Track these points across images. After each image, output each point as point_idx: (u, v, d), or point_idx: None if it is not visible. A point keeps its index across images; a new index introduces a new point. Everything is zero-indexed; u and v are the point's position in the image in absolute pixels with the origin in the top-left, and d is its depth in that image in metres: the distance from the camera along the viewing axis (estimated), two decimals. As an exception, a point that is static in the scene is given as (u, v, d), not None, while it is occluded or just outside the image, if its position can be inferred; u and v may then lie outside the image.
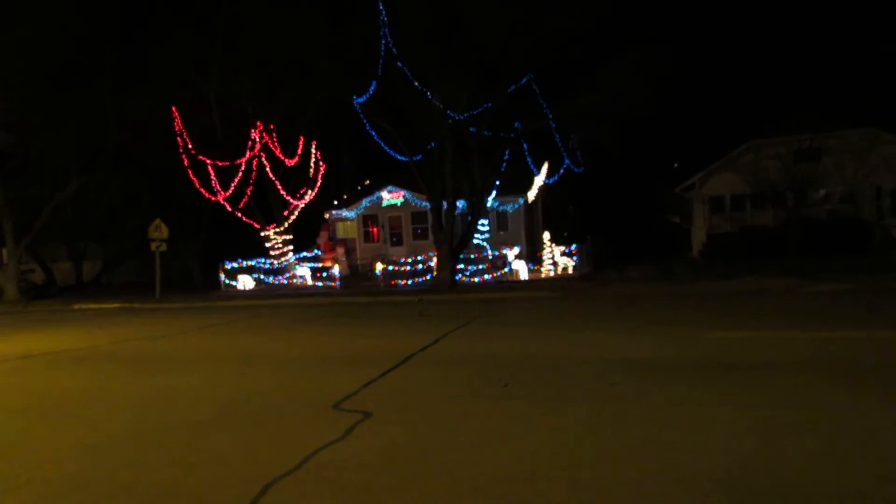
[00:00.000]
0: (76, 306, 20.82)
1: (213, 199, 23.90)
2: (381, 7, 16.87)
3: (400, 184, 27.91)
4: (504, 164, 21.37)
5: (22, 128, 22.13)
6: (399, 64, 16.83)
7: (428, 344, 9.56)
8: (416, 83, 16.92)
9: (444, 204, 20.23)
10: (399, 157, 20.64)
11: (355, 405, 6.42)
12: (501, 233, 27.33)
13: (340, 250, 27.38)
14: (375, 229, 29.25)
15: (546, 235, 23.36)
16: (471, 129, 19.88)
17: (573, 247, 22.75)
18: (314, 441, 5.32)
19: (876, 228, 23.75)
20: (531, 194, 27.54)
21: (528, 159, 22.82)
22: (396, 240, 28.75)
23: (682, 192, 26.67)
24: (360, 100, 18.38)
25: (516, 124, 20.73)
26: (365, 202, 29.13)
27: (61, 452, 5.27)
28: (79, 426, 6.09)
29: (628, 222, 44.14)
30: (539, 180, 27.07)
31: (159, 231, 22.90)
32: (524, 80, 18.16)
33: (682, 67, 20.41)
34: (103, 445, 5.40)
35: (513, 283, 20.73)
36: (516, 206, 27.64)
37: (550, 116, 18.98)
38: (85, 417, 6.41)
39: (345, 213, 29.61)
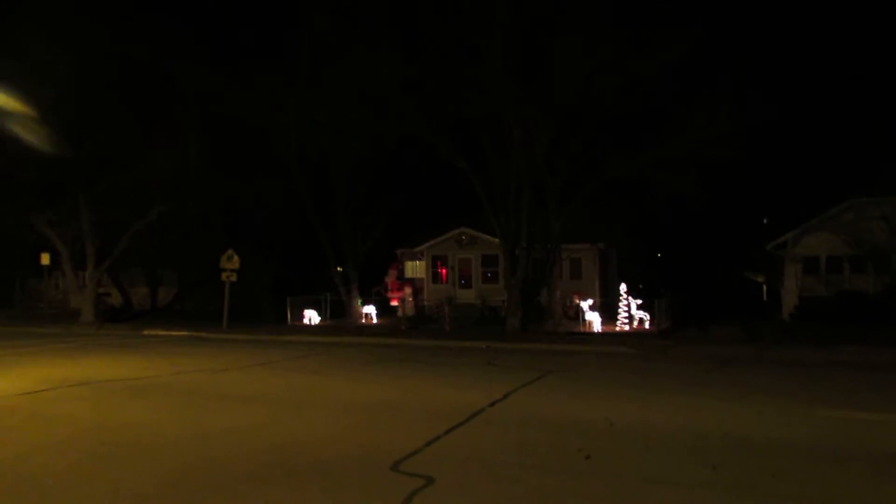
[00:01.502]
0: (145, 332, 21.03)
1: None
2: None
3: (472, 225, 27.37)
4: (580, 209, 20.50)
5: (109, 155, 22.96)
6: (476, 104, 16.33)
7: (497, 399, 8.75)
8: (496, 122, 16.35)
9: (517, 249, 19.49)
10: (473, 199, 20.09)
11: (416, 467, 5.70)
12: (574, 281, 26.27)
13: (408, 290, 26.91)
14: (444, 270, 28.70)
15: (623, 287, 22.16)
16: (548, 174, 19.18)
17: (654, 301, 21.45)
18: (367, 515, 4.61)
19: None
20: (607, 243, 26.49)
21: (606, 206, 21.88)
22: (465, 282, 28.08)
23: (774, 249, 24.93)
24: (437, 138, 18.03)
25: (594, 171, 19.93)
26: (436, 242, 28.71)
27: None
28: (115, 470, 5.58)
29: (706, 278, 42.11)
30: (614, 230, 26.04)
31: (231, 261, 23.08)
32: (607, 122, 17.33)
33: (774, 119, 19.06)
34: (140, 498, 4.86)
35: (586, 336, 19.62)
36: (590, 254, 26.59)
37: (638, 162, 18.00)
38: (123, 460, 5.92)
39: (415, 252, 29.26)
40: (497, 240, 21.68)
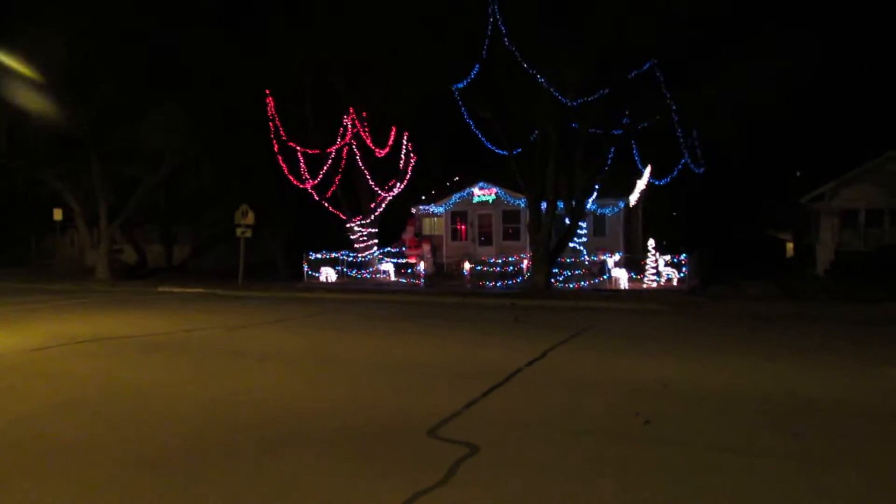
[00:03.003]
0: (160, 289, 20.57)
1: (301, 185, 23.24)
2: None
3: (492, 180, 26.47)
4: (609, 162, 19.53)
5: (119, 110, 22.20)
6: (506, 42, 15.18)
7: (535, 358, 8.10)
8: (524, 64, 15.22)
9: (543, 204, 18.61)
10: (497, 151, 19.12)
11: (456, 433, 5.08)
12: (598, 238, 25.41)
13: (426, 247, 26.21)
14: (464, 227, 27.93)
15: (651, 243, 21.31)
16: (574, 126, 18.18)
17: (682, 256, 20.57)
18: (405, 484, 3.99)
19: None
20: (633, 197, 25.52)
21: (637, 158, 20.85)
22: (485, 239, 27.32)
23: (810, 202, 23.80)
24: (460, 85, 17.01)
25: (624, 120, 18.88)
26: (454, 198, 27.86)
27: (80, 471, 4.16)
28: (123, 434, 5.01)
29: (729, 235, 41.00)
30: (642, 182, 25.01)
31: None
32: (646, 66, 16.16)
33: (816, 66, 17.76)
34: (149, 466, 4.28)
35: (614, 292, 18.90)
36: (616, 209, 25.66)
37: (674, 108, 16.89)
38: (133, 423, 5.35)
39: (432, 208, 28.45)
40: (519, 194, 20.81)
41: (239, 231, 22.39)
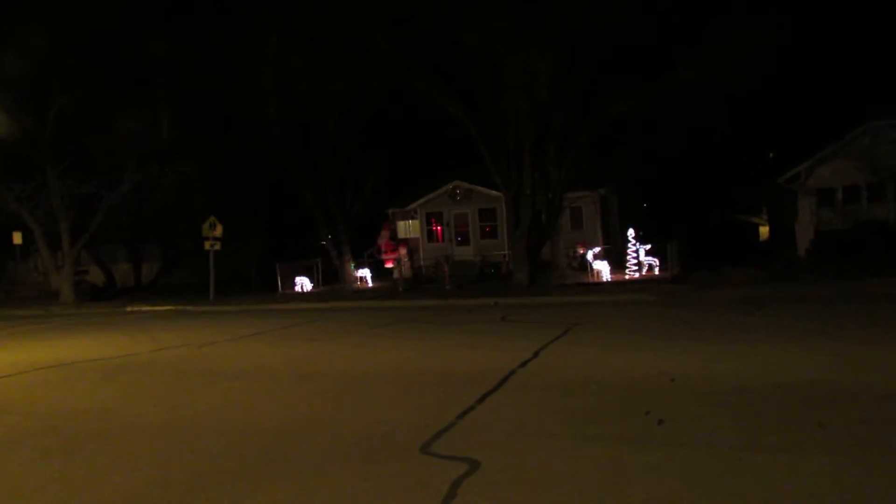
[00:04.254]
0: (129, 308, 19.72)
1: (270, 193, 22.53)
2: None
3: (467, 178, 26.01)
4: (583, 153, 19.16)
5: (76, 125, 21.26)
6: (475, 32, 14.70)
7: (527, 359, 7.61)
8: (493, 56, 14.76)
9: (520, 198, 18.17)
10: (471, 148, 18.67)
11: (452, 447, 4.55)
12: (576, 231, 25.09)
13: (403, 251, 25.63)
14: (440, 228, 27.42)
15: (630, 233, 21.01)
16: (547, 118, 17.77)
17: (663, 245, 20.28)
18: (404, 520, 3.45)
19: None
20: (609, 189, 25.26)
21: (611, 149, 20.51)
22: (462, 239, 26.84)
23: (786, 183, 23.69)
24: (427, 81, 16.48)
25: (597, 110, 18.51)
26: (429, 199, 27.36)
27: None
28: (71, 477, 4.36)
29: (702, 222, 41.01)
30: (616, 173, 24.78)
31: (214, 230, 21.69)
32: (617, 50, 15.82)
33: (789, 43, 17.52)
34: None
35: (598, 286, 18.53)
36: (591, 201, 25.38)
37: (647, 93, 16.56)
38: (83, 462, 4.71)
39: (407, 210, 27.92)
40: (494, 192, 20.35)
41: (208, 244, 21.61)
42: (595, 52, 16.05)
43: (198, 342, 10.94)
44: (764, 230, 42.35)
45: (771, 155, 29.98)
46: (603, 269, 20.78)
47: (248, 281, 26.51)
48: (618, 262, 21.77)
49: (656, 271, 21.02)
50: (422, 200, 27.31)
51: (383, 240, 27.83)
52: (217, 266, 21.97)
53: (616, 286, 18.10)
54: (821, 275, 16.89)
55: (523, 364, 7.32)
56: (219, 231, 21.83)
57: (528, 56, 15.52)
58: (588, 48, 15.89)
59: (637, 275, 20.80)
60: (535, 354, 7.87)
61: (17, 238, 25.22)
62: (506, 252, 22.11)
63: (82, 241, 23.89)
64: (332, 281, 24.34)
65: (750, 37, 14.50)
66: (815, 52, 26.18)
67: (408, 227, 28.38)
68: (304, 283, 23.58)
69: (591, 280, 20.43)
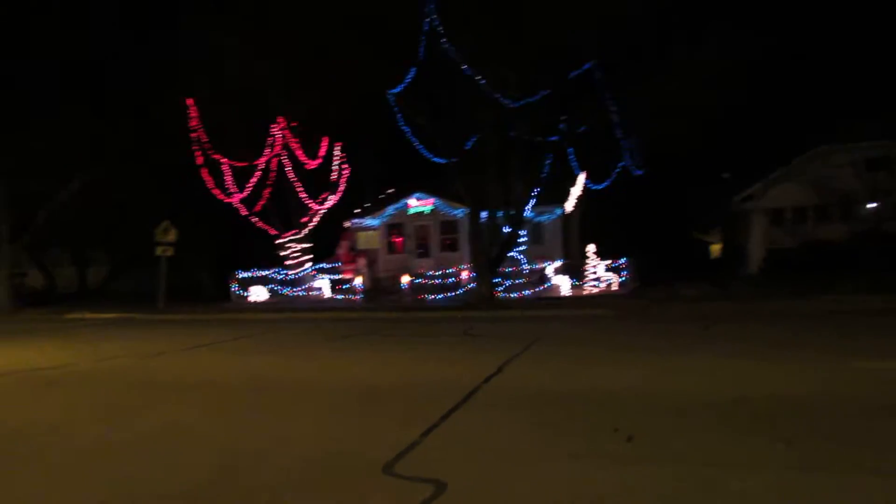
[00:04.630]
0: (69, 315, 18.82)
1: (227, 200, 21.92)
2: None
3: (429, 190, 25.85)
4: (547, 168, 19.20)
5: (18, 119, 20.28)
6: (444, 42, 14.55)
7: (491, 374, 7.38)
8: (463, 66, 14.62)
9: (483, 213, 18.06)
10: (434, 159, 18.48)
11: (417, 467, 4.26)
12: (537, 245, 25.12)
13: (362, 261, 25.27)
14: (400, 240, 27.14)
15: (591, 248, 21.15)
16: (511, 134, 17.75)
17: (622, 261, 20.44)
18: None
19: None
20: (569, 204, 25.40)
21: (574, 164, 20.62)
22: (423, 251, 26.60)
23: (741, 202, 24.32)
24: (396, 90, 16.28)
25: (560, 125, 18.58)
26: (390, 210, 27.06)
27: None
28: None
29: (659, 238, 41.68)
30: (577, 189, 24.91)
31: (167, 234, 20.99)
32: (585, 66, 15.88)
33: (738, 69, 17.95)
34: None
35: (558, 300, 18.52)
36: (553, 216, 25.48)
37: (613, 110, 16.71)
38: (10, 479, 4.27)
39: (367, 221, 27.56)
40: (457, 203, 20.19)
41: (160, 249, 20.87)
42: (562, 69, 16.12)
43: (144, 353, 10.39)
44: (715, 248, 43.34)
45: (725, 175, 30.75)
46: (563, 283, 20.84)
47: (201, 289, 25.74)
48: (579, 277, 21.88)
49: (614, 286, 21.19)
50: (383, 211, 27.02)
51: (343, 250, 27.39)
52: (170, 274, 21.24)
53: (576, 301, 18.12)
54: (772, 291, 17.31)
55: (488, 379, 7.09)
56: (172, 236, 21.13)
57: (498, 69, 15.48)
58: (555, 65, 15.96)
59: (596, 290, 20.92)
60: (499, 369, 7.65)
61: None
62: (466, 265, 21.95)
63: (23, 241, 22.80)
64: (289, 290, 23.80)
65: (702, 66, 14.80)
66: (769, 75, 26.89)
67: (368, 239, 28.01)
68: (259, 293, 23.00)
69: (551, 294, 20.45)
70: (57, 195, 22.51)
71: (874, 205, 21.76)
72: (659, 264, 28.98)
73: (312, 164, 22.92)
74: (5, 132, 20.61)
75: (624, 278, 20.63)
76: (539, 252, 24.25)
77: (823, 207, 22.63)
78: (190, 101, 20.63)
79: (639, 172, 21.76)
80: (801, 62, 28.49)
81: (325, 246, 27.24)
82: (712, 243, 44.26)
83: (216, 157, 21.39)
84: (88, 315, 18.73)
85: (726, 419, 5.25)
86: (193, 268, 26.46)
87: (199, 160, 21.03)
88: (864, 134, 21.65)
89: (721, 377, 6.82)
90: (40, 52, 19.85)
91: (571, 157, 20.22)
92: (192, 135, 20.77)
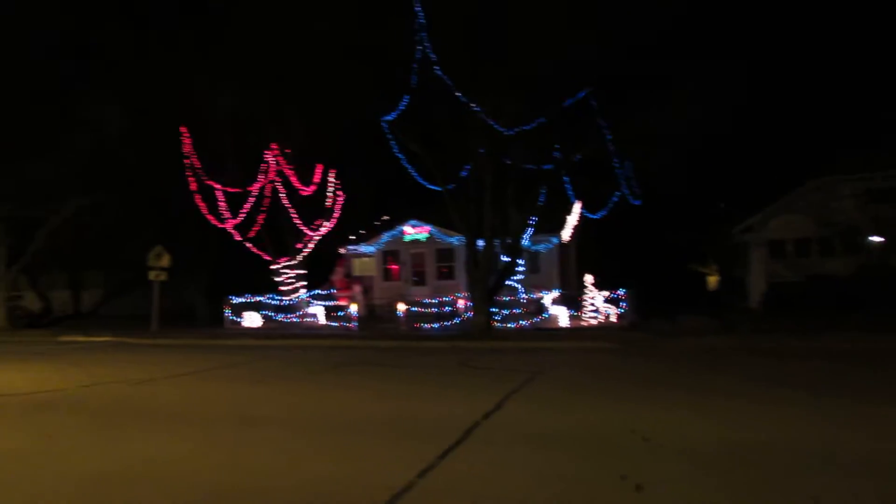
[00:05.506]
0: (62, 338, 18.54)
1: (221, 225, 21.74)
2: (419, 8, 14.71)
3: (425, 218, 25.73)
4: (543, 195, 19.10)
5: (13, 146, 20.21)
6: (437, 70, 14.56)
7: (490, 410, 7.16)
8: (457, 93, 14.59)
9: (480, 241, 17.89)
10: (429, 186, 18.35)
11: (413, 514, 4.06)
12: (533, 275, 24.93)
13: (358, 289, 25.02)
14: (396, 267, 26.96)
15: (588, 279, 20.94)
16: (506, 162, 17.68)
17: (621, 292, 20.19)
18: None
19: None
20: (566, 233, 25.27)
21: (570, 193, 20.53)
22: (418, 279, 26.40)
23: (741, 233, 24.17)
24: (389, 118, 16.23)
25: (555, 154, 18.53)
26: (385, 237, 26.92)
27: None
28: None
29: (656, 269, 41.48)
30: (573, 218, 24.80)
31: (160, 259, 20.80)
32: (580, 94, 15.89)
33: (738, 99, 18.02)
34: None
35: (556, 332, 18.27)
36: (550, 245, 25.35)
37: (609, 138, 16.68)
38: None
39: (363, 248, 27.39)
40: (453, 232, 20.03)
41: (153, 274, 20.68)
42: (558, 98, 16.12)
43: (134, 378, 10.14)
44: (712, 280, 43.14)
45: (721, 205, 30.72)
46: (560, 314, 20.60)
47: (194, 314, 25.45)
48: (576, 308, 21.63)
49: (613, 318, 20.92)
50: (379, 238, 26.88)
51: (338, 276, 27.13)
52: (164, 298, 21.02)
53: (575, 332, 17.87)
54: (776, 327, 17.03)
55: (487, 415, 6.87)
56: (165, 261, 20.94)
57: (492, 96, 15.45)
58: (551, 93, 15.96)
59: (595, 321, 20.66)
60: (498, 406, 7.42)
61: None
62: (463, 294, 21.72)
63: (19, 265, 22.64)
64: (283, 317, 23.52)
65: (695, 95, 14.82)
66: (769, 105, 27.06)
67: (364, 265, 27.81)
68: (253, 319, 22.73)
69: (549, 325, 20.19)
70: (53, 219, 22.36)
71: (880, 239, 21.56)
72: (657, 295, 28.75)
73: (307, 191, 22.81)
74: (4, 161, 20.53)
75: (623, 310, 20.35)
76: (535, 281, 24.06)
77: (826, 240, 22.41)
78: (183, 129, 20.59)
79: (637, 202, 21.65)
80: (800, 92, 28.74)
81: (320, 272, 27.00)
82: (709, 275, 44.10)
83: (210, 182, 21.28)
84: (81, 338, 18.45)
85: (746, 468, 5.03)
86: (187, 292, 26.17)
87: (193, 186, 20.92)
88: (866, 165, 21.63)
89: (739, 422, 6.47)
90: (35, 84, 19.85)
91: (567, 185, 20.11)
92: (186, 160, 20.68)
